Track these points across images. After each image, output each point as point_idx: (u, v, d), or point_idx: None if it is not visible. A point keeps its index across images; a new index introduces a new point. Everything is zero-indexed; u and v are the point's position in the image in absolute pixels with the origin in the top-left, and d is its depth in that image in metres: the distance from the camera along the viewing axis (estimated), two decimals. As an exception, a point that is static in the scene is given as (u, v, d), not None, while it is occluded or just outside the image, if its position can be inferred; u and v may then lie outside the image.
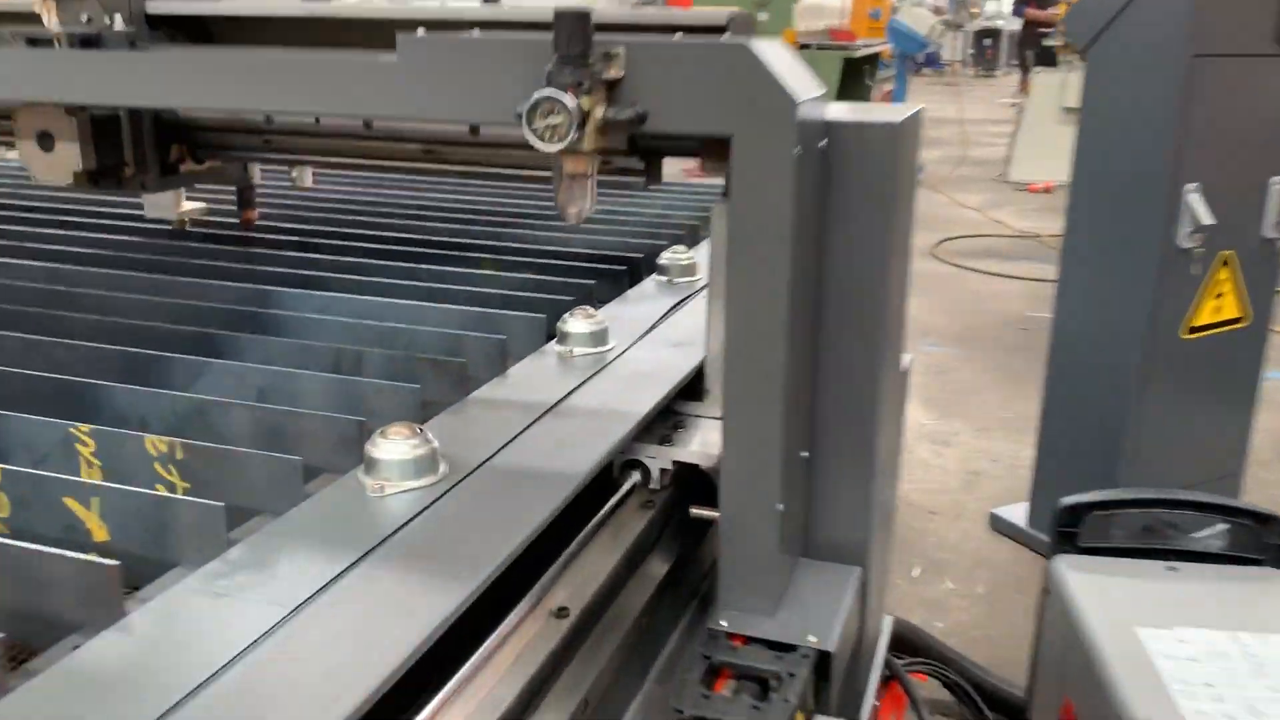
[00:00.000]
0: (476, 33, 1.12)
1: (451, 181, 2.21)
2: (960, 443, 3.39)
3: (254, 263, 1.59)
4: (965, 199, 7.86)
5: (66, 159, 1.39)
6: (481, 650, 0.83)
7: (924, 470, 3.18)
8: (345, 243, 1.70)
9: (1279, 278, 2.56)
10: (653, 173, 1.27)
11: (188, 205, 1.78)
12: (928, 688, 2.04)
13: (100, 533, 0.86)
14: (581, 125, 0.95)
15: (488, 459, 1.02)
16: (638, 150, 1.18)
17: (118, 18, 1.37)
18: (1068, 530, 1.59)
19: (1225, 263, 2.45)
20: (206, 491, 0.92)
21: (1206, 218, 2.31)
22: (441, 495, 0.94)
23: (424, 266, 1.58)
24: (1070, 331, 2.60)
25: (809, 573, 1.17)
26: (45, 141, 1.39)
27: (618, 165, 1.24)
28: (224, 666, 0.69)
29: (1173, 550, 1.59)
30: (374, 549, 0.85)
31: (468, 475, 0.98)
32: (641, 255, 1.71)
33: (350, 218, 1.90)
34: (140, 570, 0.83)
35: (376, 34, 1.39)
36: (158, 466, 0.94)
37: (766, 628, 1.06)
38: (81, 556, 0.76)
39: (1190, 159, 2.32)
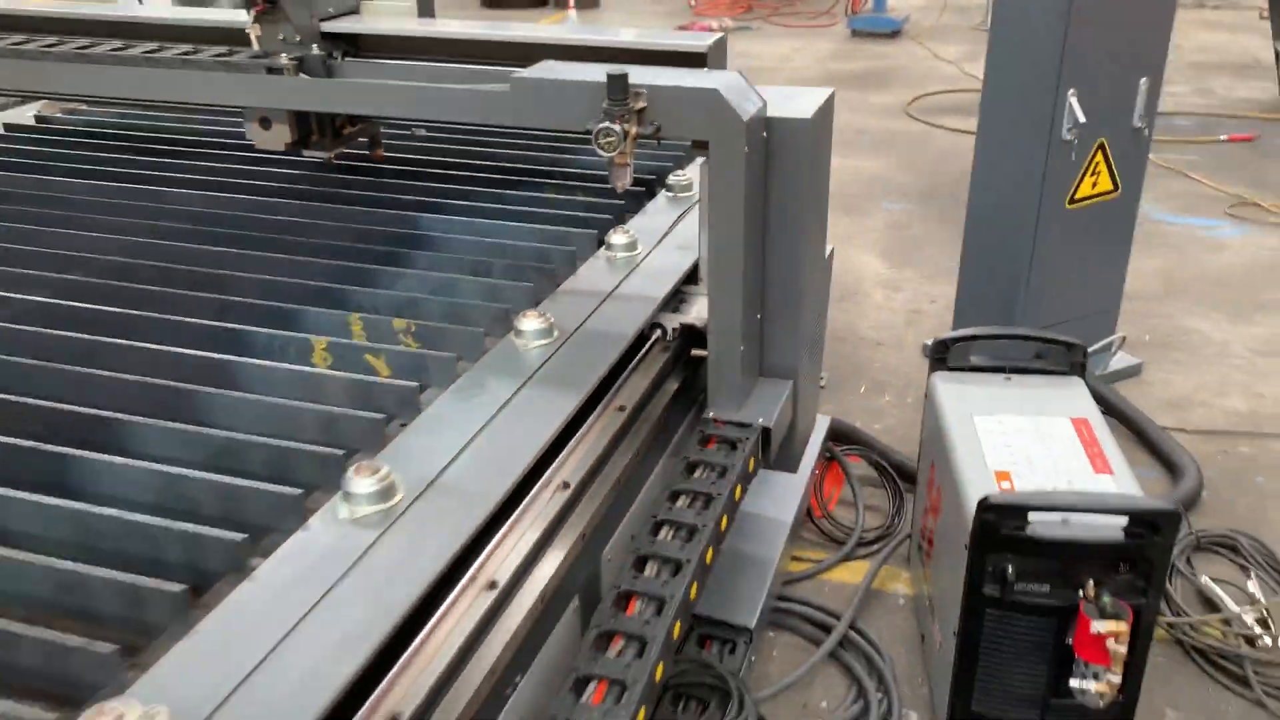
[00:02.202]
0: (554, 64, 1.84)
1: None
2: (909, 288, 4.17)
3: (393, 191, 2.34)
4: (944, 50, 8.37)
5: (279, 134, 2.13)
6: (579, 434, 1.64)
7: (876, 311, 3.97)
8: (449, 170, 2.45)
9: (1145, 157, 3.29)
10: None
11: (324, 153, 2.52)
12: (859, 467, 2.90)
13: (385, 371, 1.65)
14: (624, 139, 1.69)
15: (578, 326, 1.81)
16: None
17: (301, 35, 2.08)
18: (940, 357, 2.40)
19: (1100, 148, 3.17)
20: (434, 348, 1.71)
21: (1081, 117, 3.01)
22: (559, 347, 1.73)
23: (510, 191, 2.32)
24: (982, 202, 3.34)
25: (761, 385, 1.98)
26: (265, 124, 2.12)
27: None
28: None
29: (1011, 367, 2.39)
30: (526, 381, 1.64)
31: (571, 334, 1.77)
32: (654, 176, 2.45)
33: (445, 147, 2.63)
34: (412, 393, 1.62)
35: (474, 50, 2.11)
36: (402, 336, 1.73)
37: (735, 415, 1.87)
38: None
39: (1072, 69, 3.00)
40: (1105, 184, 3.23)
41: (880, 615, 2.46)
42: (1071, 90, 3.00)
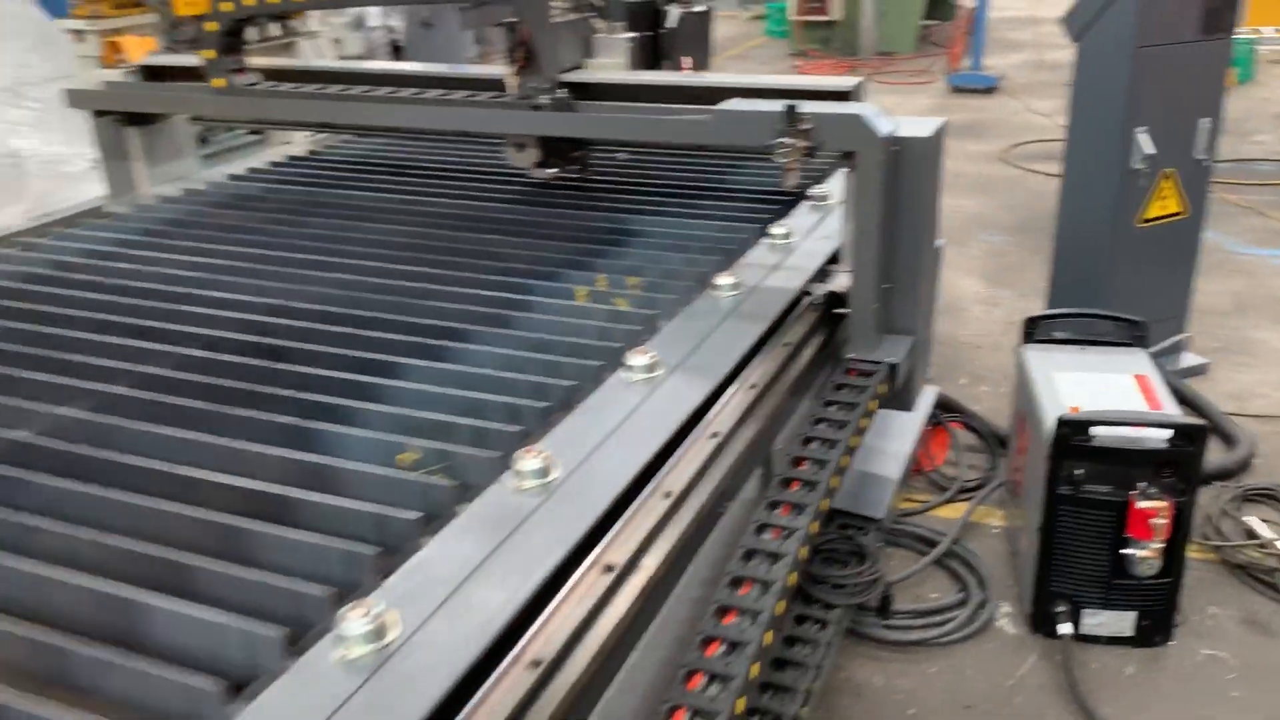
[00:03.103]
0: (738, 100, 2.56)
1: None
2: (1005, 304, 4.78)
3: (603, 200, 3.08)
4: (1039, 105, 8.97)
5: (530, 155, 2.89)
6: (759, 356, 2.32)
7: (975, 322, 4.58)
8: (644, 185, 3.18)
9: (1207, 185, 3.87)
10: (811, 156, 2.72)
11: (549, 171, 3.29)
12: (959, 433, 3.52)
13: (626, 305, 2.36)
14: (795, 151, 2.40)
15: (754, 286, 2.50)
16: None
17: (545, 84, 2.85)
18: (1029, 332, 3.03)
19: (1167, 176, 3.77)
20: (652, 304, 2.42)
21: (1149, 149, 3.63)
22: (743, 299, 2.42)
23: (689, 200, 3.04)
24: (1066, 225, 3.95)
25: (887, 339, 2.63)
26: (520, 147, 2.90)
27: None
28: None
29: (1085, 340, 3.01)
30: (722, 320, 2.34)
31: (751, 291, 2.46)
32: (800, 191, 3.15)
33: (640, 169, 3.38)
34: (653, 320, 2.32)
35: (670, 94, 2.85)
36: (635, 290, 2.44)
37: (868, 356, 2.53)
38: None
39: (1139, 111, 3.63)
40: (1173, 206, 3.82)
41: (977, 539, 3.07)
42: (1140, 127, 3.63)
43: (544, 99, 2.76)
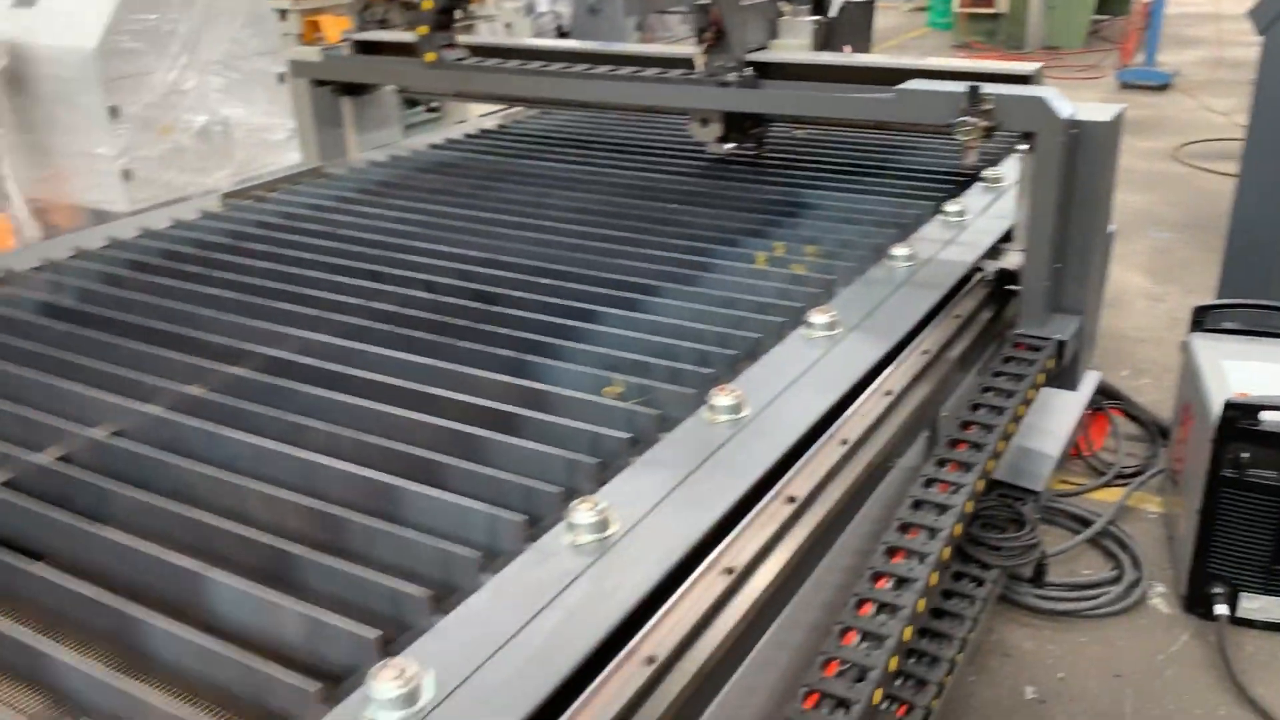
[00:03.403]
0: (920, 81, 2.68)
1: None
2: (1170, 300, 4.71)
3: (778, 175, 3.23)
4: (1214, 103, 8.63)
5: (713, 130, 3.07)
6: (931, 326, 2.44)
7: (1139, 316, 4.54)
8: (819, 162, 3.32)
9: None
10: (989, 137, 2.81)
11: (727, 146, 3.46)
12: (1120, 422, 3.54)
13: (803, 270, 2.52)
14: (976, 130, 2.50)
15: (929, 259, 2.61)
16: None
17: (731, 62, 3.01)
18: (1199, 320, 3.04)
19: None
20: (830, 270, 2.56)
21: (1337, 144, 3.56)
22: (918, 270, 2.54)
23: (863, 178, 3.17)
24: (1244, 220, 3.89)
25: (1056, 318, 2.71)
26: (704, 122, 3.08)
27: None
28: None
29: (1256, 331, 3.00)
30: (898, 287, 2.46)
31: (925, 263, 2.58)
32: (974, 172, 3.24)
33: (808, 148, 3.52)
34: (831, 284, 2.47)
35: (851, 74, 2.98)
36: (813, 257, 2.59)
37: (1038, 332, 2.62)
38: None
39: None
40: (1356, 204, 3.73)
41: (1133, 523, 3.10)
42: (1329, 122, 3.56)
43: (732, 76, 2.93)
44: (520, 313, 2.26)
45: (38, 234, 5.60)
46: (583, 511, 1.49)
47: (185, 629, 1.30)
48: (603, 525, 1.49)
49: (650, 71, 3.11)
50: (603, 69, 3.16)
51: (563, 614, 1.34)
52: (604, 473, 1.66)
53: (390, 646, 1.29)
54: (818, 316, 2.17)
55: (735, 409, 1.83)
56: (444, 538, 1.49)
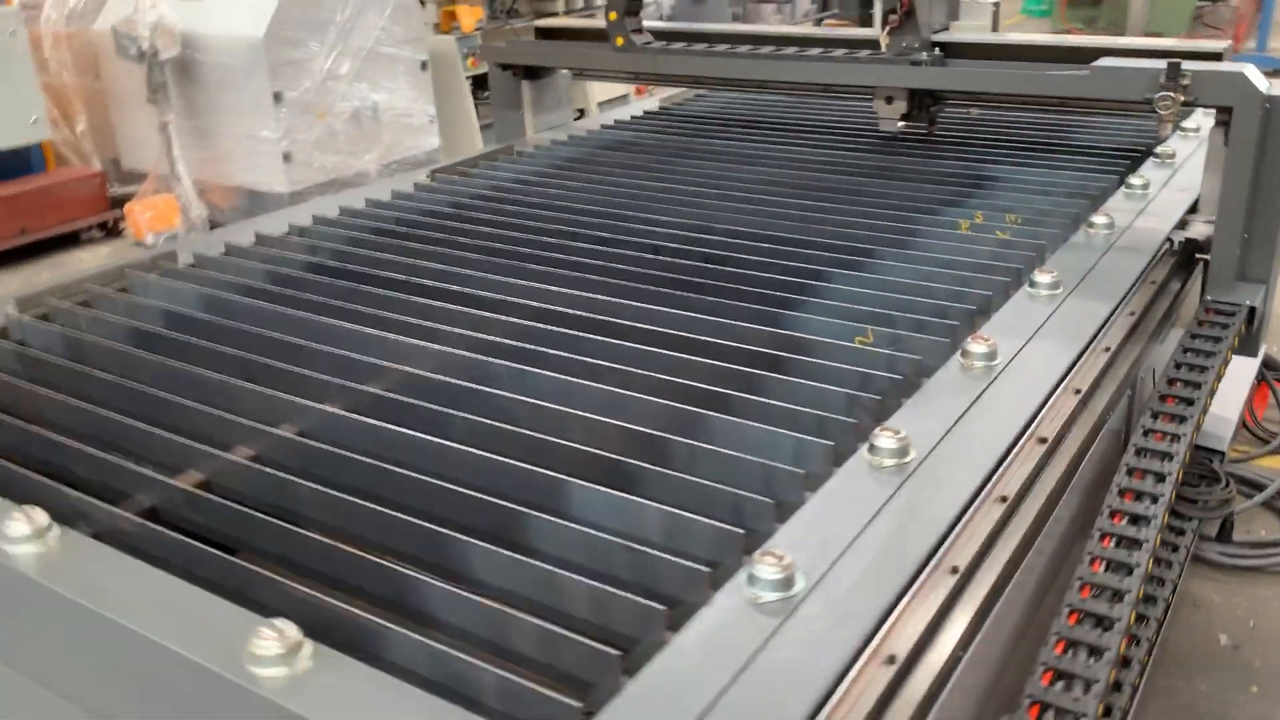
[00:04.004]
0: (1112, 59, 2.80)
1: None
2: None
3: (958, 151, 3.37)
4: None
5: (898, 108, 3.22)
6: (1132, 291, 2.56)
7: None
8: (991, 139, 3.45)
9: None
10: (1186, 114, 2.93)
11: (899, 124, 3.60)
12: (1283, 392, 3.62)
13: (1004, 235, 2.66)
14: (1174, 105, 2.62)
15: (1124, 229, 2.73)
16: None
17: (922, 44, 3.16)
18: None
19: None
20: (1035, 236, 2.69)
21: None
22: (1114, 241, 2.66)
23: (1042, 154, 3.29)
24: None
25: (1241, 285, 2.81)
26: (889, 100, 3.23)
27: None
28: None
29: None
30: (1104, 253, 2.60)
31: (1120, 235, 2.70)
32: (1145, 149, 3.34)
33: (978, 126, 3.65)
34: (1041, 250, 2.61)
35: (1032, 52, 3.11)
36: (1012, 223, 2.73)
37: (1228, 298, 2.73)
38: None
39: None
40: None
41: (1304, 489, 3.19)
42: None
43: (924, 55, 3.07)
44: (754, 272, 2.44)
45: (203, 212, 5.94)
46: (886, 438, 1.67)
47: (565, 524, 1.51)
48: (903, 452, 1.67)
49: (838, 52, 3.27)
50: (788, 50, 3.33)
51: (892, 523, 1.52)
52: (883, 409, 1.84)
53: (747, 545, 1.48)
54: (1042, 276, 2.32)
55: (990, 355, 1.99)
56: (753, 456, 1.68)
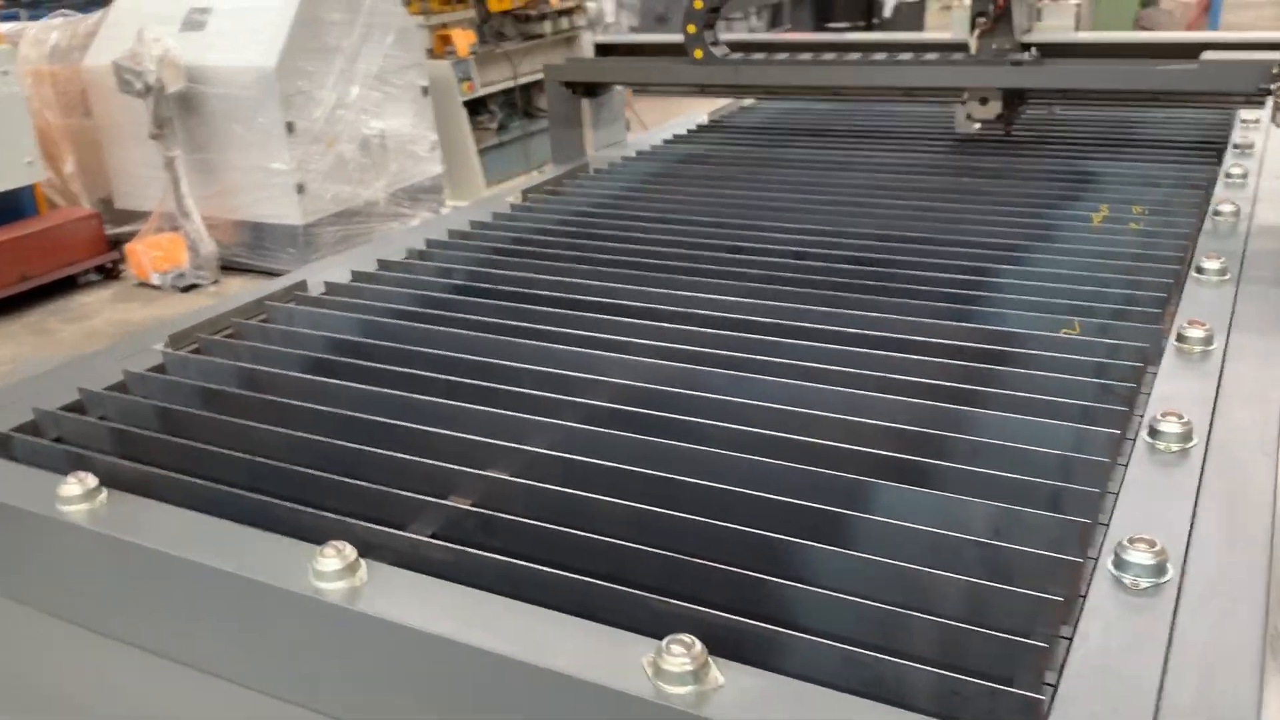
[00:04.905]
0: (1215, 53, 2.87)
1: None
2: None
3: (1039, 152, 3.41)
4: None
5: (992, 109, 3.26)
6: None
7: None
8: (1073, 138, 3.51)
9: None
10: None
11: (976, 126, 3.64)
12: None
13: (1137, 227, 2.69)
14: (1287, 91, 2.69)
15: (1249, 216, 2.79)
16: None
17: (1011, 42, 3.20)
18: None
19: None
20: (1170, 225, 2.73)
21: None
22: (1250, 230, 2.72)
23: (1127, 149, 3.34)
24: None
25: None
26: (982, 101, 3.26)
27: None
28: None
29: None
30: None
31: (1250, 218, 2.75)
32: (1216, 140, 3.42)
33: (1052, 126, 3.70)
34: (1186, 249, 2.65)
35: (1118, 50, 3.16)
36: (1138, 214, 2.77)
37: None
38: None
39: None
40: None
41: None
42: None
43: (1024, 55, 3.11)
44: (917, 273, 2.43)
45: (213, 249, 5.74)
46: (1170, 422, 1.66)
47: (901, 524, 1.47)
48: (1187, 435, 1.66)
49: (930, 56, 3.30)
50: (878, 56, 3.35)
51: (1220, 505, 1.50)
52: (1127, 397, 1.83)
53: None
54: (1209, 263, 2.35)
55: (1207, 340, 2.00)
56: (1045, 448, 1.66)
